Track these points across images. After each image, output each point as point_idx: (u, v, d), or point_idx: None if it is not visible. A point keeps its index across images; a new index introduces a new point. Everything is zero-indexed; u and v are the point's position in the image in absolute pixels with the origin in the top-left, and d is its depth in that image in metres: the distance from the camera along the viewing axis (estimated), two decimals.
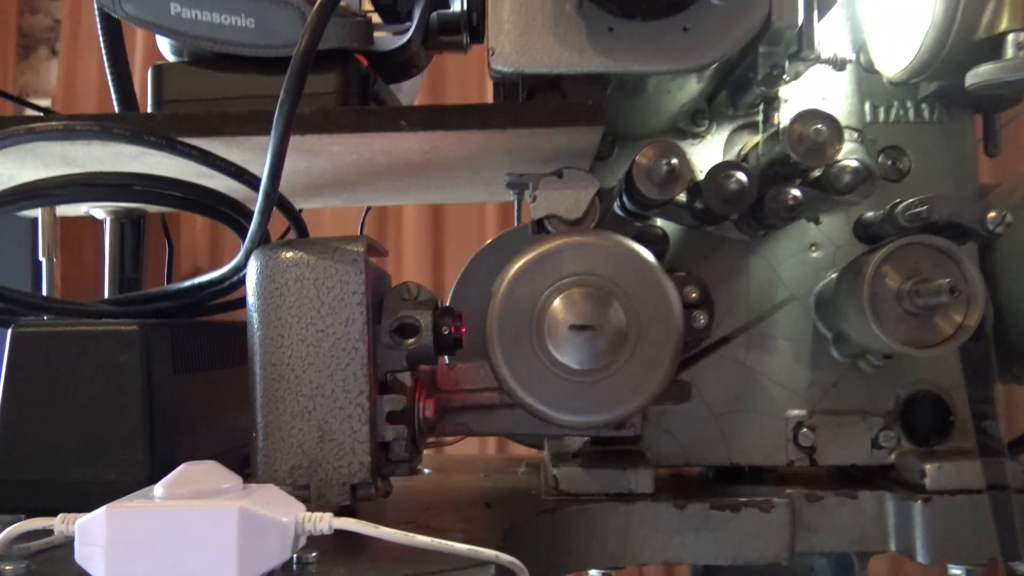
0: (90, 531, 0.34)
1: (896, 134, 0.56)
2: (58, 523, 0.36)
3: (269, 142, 0.38)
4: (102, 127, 0.40)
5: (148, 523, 0.34)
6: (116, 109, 0.56)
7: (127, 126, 0.41)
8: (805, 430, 0.55)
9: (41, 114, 0.67)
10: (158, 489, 0.36)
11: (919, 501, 0.51)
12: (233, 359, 0.60)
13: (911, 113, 0.56)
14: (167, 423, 0.49)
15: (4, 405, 0.49)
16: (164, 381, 0.49)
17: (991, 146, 0.57)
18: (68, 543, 0.35)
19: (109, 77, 0.53)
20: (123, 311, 0.55)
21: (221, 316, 0.60)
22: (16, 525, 0.37)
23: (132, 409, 0.48)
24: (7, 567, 0.37)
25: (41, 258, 0.60)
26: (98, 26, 0.51)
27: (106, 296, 0.64)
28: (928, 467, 0.52)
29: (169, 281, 0.68)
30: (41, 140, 0.41)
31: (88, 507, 0.35)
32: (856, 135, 0.56)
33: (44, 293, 0.63)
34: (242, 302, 0.55)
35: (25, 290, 0.57)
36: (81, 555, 0.34)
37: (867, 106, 0.57)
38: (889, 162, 0.56)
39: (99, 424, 0.48)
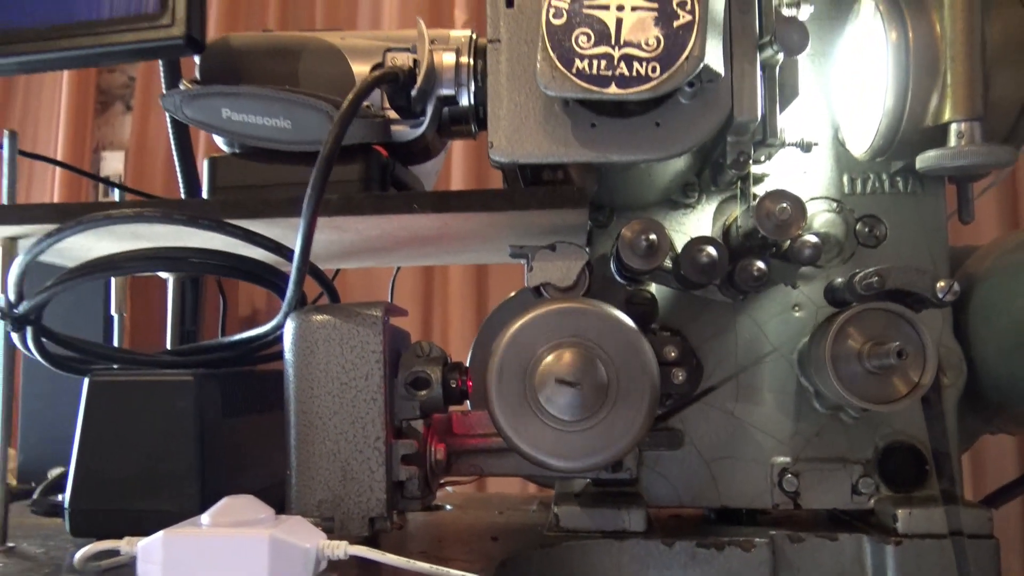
0: (150, 552, 0.41)
1: (873, 204, 0.62)
2: (124, 545, 0.43)
3: (299, 228, 0.46)
4: (164, 213, 0.49)
5: (197, 546, 0.41)
6: (182, 191, 0.65)
7: (185, 211, 0.49)
8: (789, 476, 0.60)
9: (112, 184, 0.77)
10: (205, 518, 0.43)
11: (892, 544, 0.56)
12: (271, 405, 0.68)
13: (886, 185, 0.62)
14: (216, 461, 0.57)
15: (81, 444, 0.57)
16: (214, 425, 0.57)
17: (965, 214, 0.62)
18: (132, 562, 0.43)
19: (177, 164, 0.61)
20: (181, 361, 0.63)
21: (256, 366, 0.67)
22: (90, 546, 0.44)
23: (187, 449, 0.55)
24: None
25: (113, 313, 0.69)
26: (168, 123, 0.60)
27: (168, 346, 0.72)
28: (900, 512, 0.56)
29: (223, 332, 0.76)
30: (117, 224, 0.49)
31: (149, 532, 0.43)
32: (835, 205, 0.62)
33: (115, 344, 0.71)
34: (281, 355, 0.63)
35: (98, 342, 0.66)
36: (142, 572, 0.42)
37: (845, 178, 0.62)
38: (867, 229, 0.61)
39: (159, 461, 0.55)
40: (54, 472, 1.52)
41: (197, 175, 0.66)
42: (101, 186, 2.17)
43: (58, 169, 2.19)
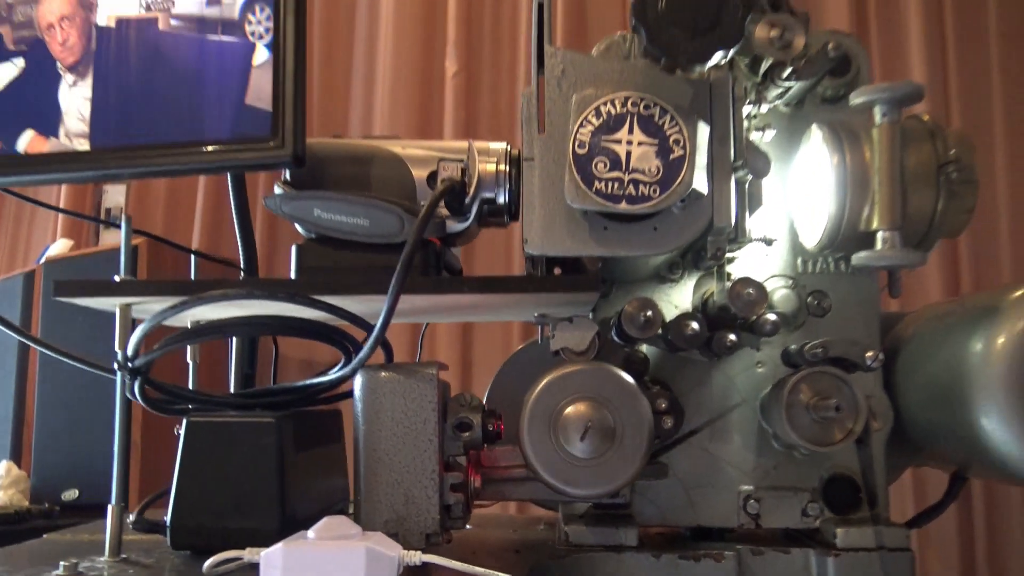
0: (272, 559, 0.54)
1: (820, 282, 0.77)
2: (247, 554, 0.56)
3: (384, 303, 0.59)
4: (269, 291, 0.62)
5: (310, 555, 0.54)
6: (241, 264, 0.78)
7: (285, 290, 0.63)
8: (752, 501, 0.75)
9: (114, 224, 0.89)
10: (311, 533, 0.56)
11: (832, 556, 0.70)
12: (327, 439, 0.81)
13: (831, 267, 0.77)
14: (290, 487, 0.69)
15: (180, 473, 0.69)
16: (289, 457, 0.70)
17: (894, 290, 0.77)
18: (246, 568, 0.56)
19: (240, 244, 0.75)
20: (253, 402, 0.76)
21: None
22: (216, 556, 0.57)
23: (269, 478, 0.68)
24: None
25: (188, 360, 0.81)
26: (233, 207, 0.73)
27: (232, 388, 0.85)
28: (839, 531, 0.71)
29: (275, 375, 0.89)
30: (231, 300, 0.62)
31: (236, 547, 0.55)
32: (790, 282, 0.77)
33: (190, 387, 0.84)
34: (338, 397, 0.76)
35: (182, 386, 0.79)
36: (266, 571, 0.54)
37: (799, 261, 0.77)
38: (815, 302, 0.76)
39: (245, 487, 0.68)
40: (68, 494, 1.64)
41: (255, 252, 0.79)
42: (104, 215, 2.27)
43: (63, 201, 2.28)
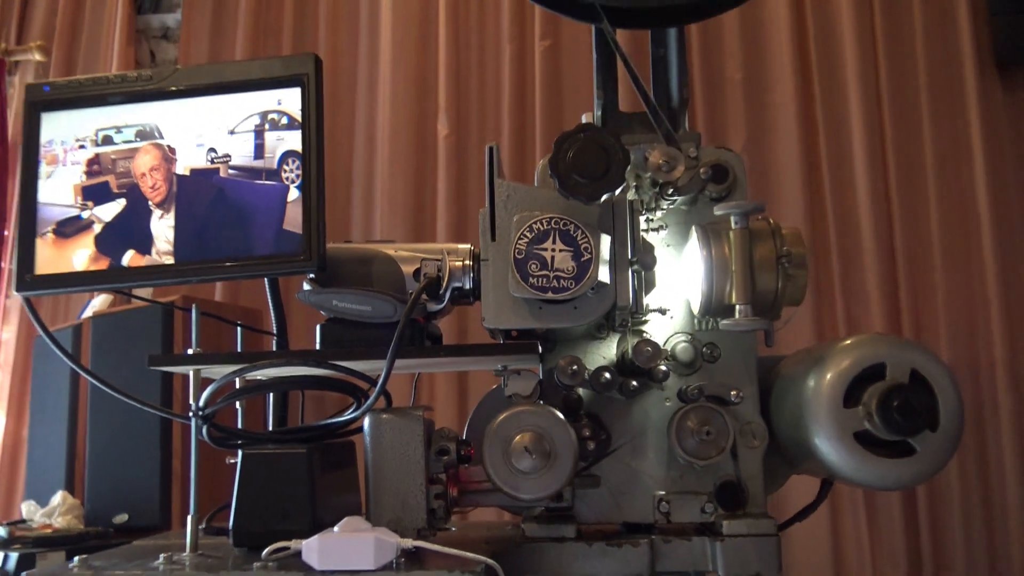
0: (311, 547, 0.79)
1: (712, 336, 1.02)
2: (292, 544, 0.81)
3: (384, 366, 0.85)
4: (304, 359, 0.88)
5: (336, 543, 0.79)
6: (275, 334, 1.04)
7: (317, 357, 0.89)
8: (663, 502, 1.00)
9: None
10: (336, 528, 0.81)
11: (720, 542, 0.95)
12: (341, 464, 1.06)
13: (720, 323, 1.03)
14: (319, 499, 0.95)
15: (238, 491, 0.94)
16: (318, 478, 0.95)
17: (768, 341, 1.03)
18: (293, 555, 0.81)
19: (274, 322, 1.01)
20: (289, 437, 1.01)
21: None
22: (271, 546, 0.82)
23: (303, 493, 0.93)
24: (268, 566, 0.82)
25: (237, 406, 1.07)
26: (268, 294, 0.99)
27: (271, 426, 1.10)
28: (725, 523, 0.96)
29: (303, 416, 1.15)
30: (277, 367, 0.88)
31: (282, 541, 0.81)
32: (689, 336, 1.02)
33: (239, 427, 1.09)
34: (350, 432, 1.02)
35: (234, 428, 1.04)
36: (306, 558, 0.80)
37: (695, 320, 1.03)
38: (708, 352, 1.02)
39: (286, 500, 0.93)
40: (119, 518, 1.90)
41: (285, 323, 1.05)
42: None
43: None
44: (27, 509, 2.00)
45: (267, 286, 0.99)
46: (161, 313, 1.96)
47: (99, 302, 2.26)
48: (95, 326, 2.08)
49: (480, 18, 2.60)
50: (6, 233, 2.59)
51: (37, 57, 2.71)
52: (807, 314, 2.21)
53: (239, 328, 1.08)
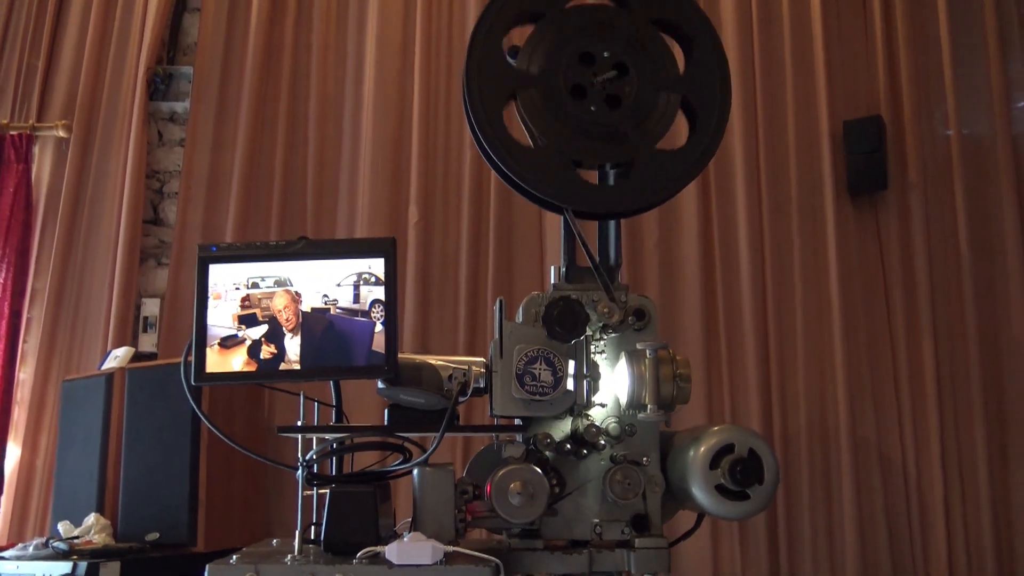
0: (391, 550, 1.31)
1: (631, 419, 1.59)
2: (379, 548, 1.33)
3: (434, 439, 1.39)
4: (380, 434, 1.41)
5: (408, 547, 1.32)
6: (335, 407, 1.56)
7: (387, 432, 1.42)
8: (598, 526, 1.55)
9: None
10: (405, 537, 1.34)
11: (633, 552, 1.51)
12: (388, 497, 1.58)
13: (638, 415, 1.60)
14: (379, 520, 1.46)
15: (328, 515, 1.45)
16: (379, 506, 1.47)
17: (668, 423, 1.60)
18: (376, 555, 1.32)
19: (334, 399, 1.53)
20: (360, 477, 1.52)
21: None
22: (364, 551, 1.34)
23: (369, 517, 1.45)
24: (362, 561, 1.33)
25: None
26: (332, 387, 1.52)
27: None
28: (636, 540, 1.52)
29: (353, 463, 1.66)
30: (359, 450, 1.41)
31: (355, 551, 1.33)
32: (617, 420, 1.59)
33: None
34: (395, 477, 1.55)
35: (323, 473, 1.55)
36: (388, 557, 1.31)
37: (621, 409, 1.59)
38: (629, 429, 1.59)
39: (360, 521, 1.44)
40: (151, 536, 2.37)
41: (342, 401, 1.57)
42: (142, 320, 2.97)
43: (113, 311, 2.97)
44: (64, 528, 2.40)
45: (332, 386, 1.51)
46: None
47: (122, 353, 2.69)
48: (131, 378, 2.52)
49: (447, 128, 3.16)
50: (27, 290, 2.99)
51: (61, 133, 3.12)
52: (701, 389, 2.83)
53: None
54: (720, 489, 1.46)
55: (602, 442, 1.51)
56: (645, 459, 1.51)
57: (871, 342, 2.93)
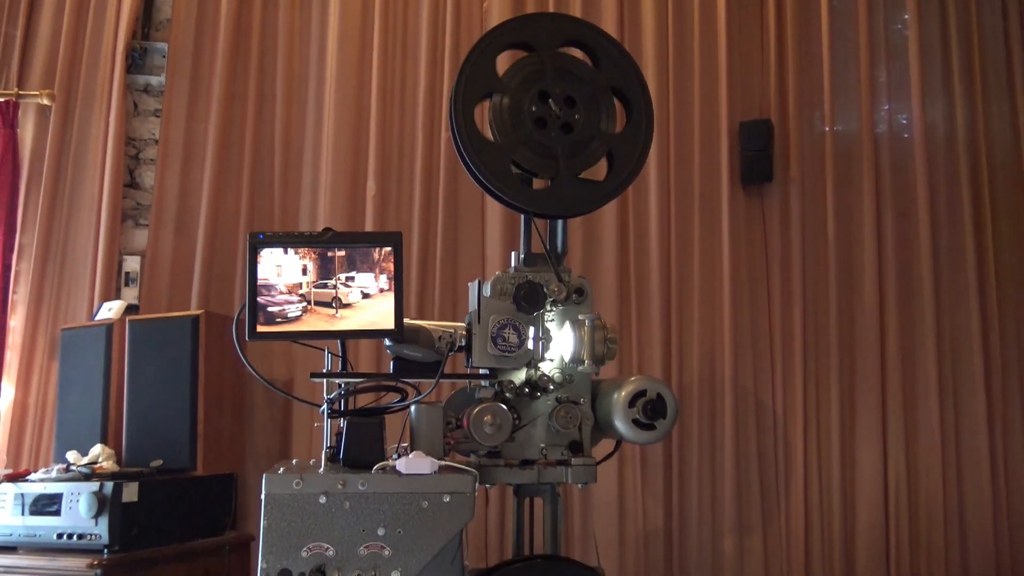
0: (400, 464, 1.81)
1: (571, 370, 2.11)
2: (391, 462, 1.82)
3: (432, 383, 1.88)
4: (389, 379, 1.89)
5: (414, 461, 1.81)
6: (341, 360, 2.03)
7: (392, 379, 1.90)
8: (544, 449, 2.09)
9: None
10: (411, 455, 1.83)
11: (569, 467, 2.06)
12: (384, 427, 2.06)
13: (577, 368, 2.12)
14: (381, 443, 1.95)
15: (347, 438, 1.92)
16: (382, 432, 1.95)
17: (597, 374, 2.14)
18: (390, 467, 1.81)
19: (341, 352, 2.00)
20: (367, 412, 2.00)
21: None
22: (379, 464, 1.82)
23: (378, 440, 1.93)
24: (379, 471, 1.82)
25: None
26: (339, 346, 1.98)
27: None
28: (573, 459, 2.06)
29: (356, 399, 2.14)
30: (366, 392, 1.89)
31: (368, 467, 1.82)
32: (560, 371, 2.11)
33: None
34: (393, 412, 2.06)
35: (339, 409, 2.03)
36: (399, 468, 1.81)
37: (564, 363, 2.12)
38: (569, 378, 2.11)
39: (371, 444, 1.93)
40: (155, 463, 2.84)
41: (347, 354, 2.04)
42: (124, 275, 3.32)
43: (99, 267, 3.30)
44: (73, 457, 2.79)
45: (339, 345, 1.98)
46: (190, 323, 2.83)
47: (116, 306, 3.05)
48: (132, 328, 2.89)
49: (401, 112, 3.57)
50: (16, 245, 3.28)
51: (44, 101, 3.37)
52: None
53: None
54: (635, 422, 2.01)
55: (550, 387, 2.04)
56: (581, 400, 2.05)
57: (753, 309, 3.55)
